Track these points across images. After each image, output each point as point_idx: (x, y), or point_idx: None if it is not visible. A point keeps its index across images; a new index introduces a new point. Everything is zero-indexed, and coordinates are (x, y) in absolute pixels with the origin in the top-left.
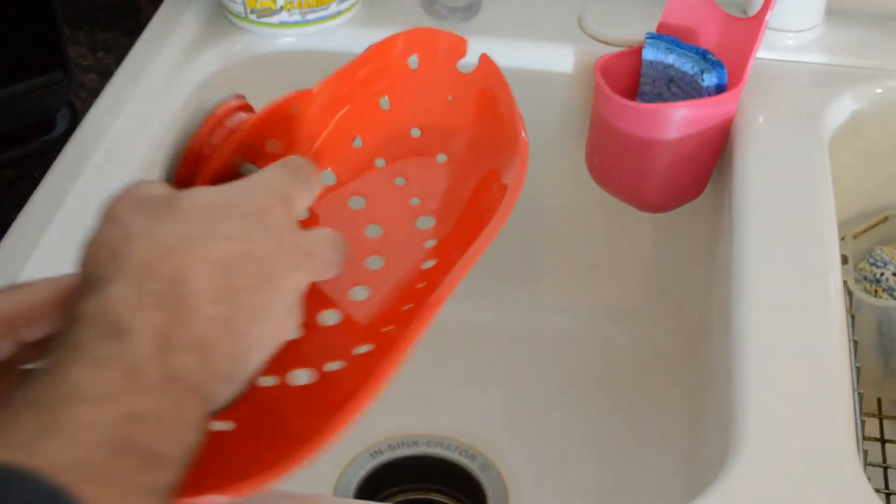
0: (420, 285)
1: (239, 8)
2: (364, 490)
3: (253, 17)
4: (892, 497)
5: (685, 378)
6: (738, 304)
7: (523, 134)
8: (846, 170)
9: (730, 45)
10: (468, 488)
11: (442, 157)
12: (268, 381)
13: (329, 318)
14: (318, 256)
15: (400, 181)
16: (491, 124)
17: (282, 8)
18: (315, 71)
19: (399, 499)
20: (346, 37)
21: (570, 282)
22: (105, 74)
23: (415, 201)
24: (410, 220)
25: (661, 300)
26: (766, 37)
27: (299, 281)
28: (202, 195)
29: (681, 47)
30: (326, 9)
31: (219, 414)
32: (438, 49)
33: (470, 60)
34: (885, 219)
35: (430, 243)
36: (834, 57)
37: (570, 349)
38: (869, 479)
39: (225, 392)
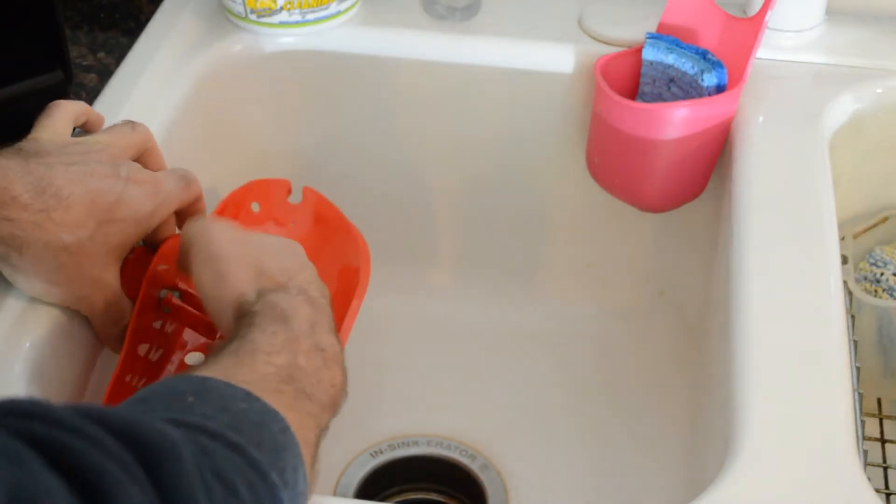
0: None
1: (239, 8)
2: (364, 490)
3: (253, 17)
4: (892, 497)
5: (685, 378)
6: (738, 304)
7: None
8: (846, 170)
9: (730, 45)
10: (468, 488)
11: None
12: None
13: None
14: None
15: None
16: (330, 234)
17: (282, 8)
18: (315, 71)
19: (399, 499)
20: (346, 37)
21: (571, 281)
22: (105, 74)
23: None
24: None
25: (661, 300)
26: (766, 37)
27: None
28: (268, 239)
29: (681, 47)
30: (326, 9)
31: None
32: (269, 193)
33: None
34: (885, 219)
35: None
36: (834, 57)
37: (570, 349)
38: (869, 479)
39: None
